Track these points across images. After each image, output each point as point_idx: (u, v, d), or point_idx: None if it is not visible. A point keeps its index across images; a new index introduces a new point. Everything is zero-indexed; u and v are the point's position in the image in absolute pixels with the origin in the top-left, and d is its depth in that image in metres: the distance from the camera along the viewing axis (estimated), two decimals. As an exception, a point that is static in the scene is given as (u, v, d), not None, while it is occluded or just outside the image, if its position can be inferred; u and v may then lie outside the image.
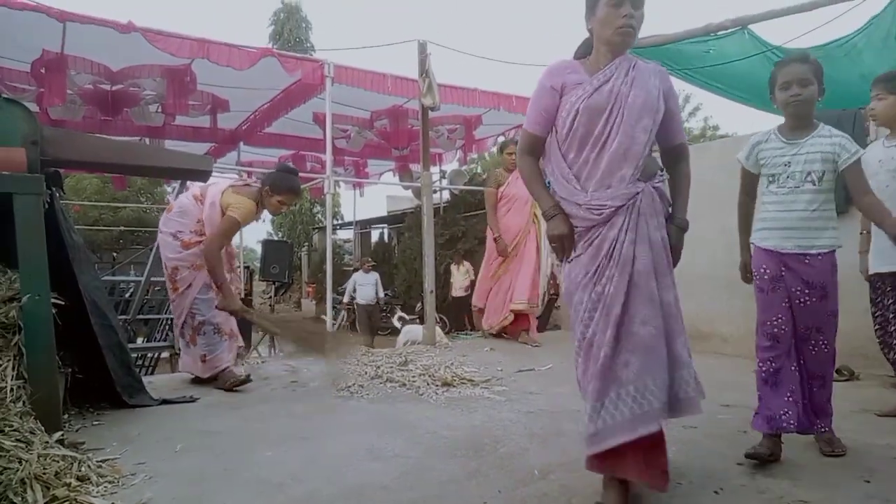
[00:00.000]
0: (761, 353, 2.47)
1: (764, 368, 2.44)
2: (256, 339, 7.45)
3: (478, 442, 2.69)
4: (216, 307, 3.75)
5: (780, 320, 2.42)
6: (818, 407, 2.50)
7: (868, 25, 4.32)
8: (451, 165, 11.37)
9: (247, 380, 3.81)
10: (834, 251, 2.43)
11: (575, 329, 2.04)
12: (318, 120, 7.83)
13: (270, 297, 8.45)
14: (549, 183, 2.13)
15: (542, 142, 2.14)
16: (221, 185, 3.90)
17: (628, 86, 1.98)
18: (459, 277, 11.13)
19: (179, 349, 4.09)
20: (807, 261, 2.40)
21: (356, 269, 11.79)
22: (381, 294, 11.40)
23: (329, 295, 6.56)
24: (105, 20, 5.20)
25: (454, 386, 3.84)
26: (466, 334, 8.03)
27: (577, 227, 2.02)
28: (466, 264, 11.13)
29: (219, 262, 3.65)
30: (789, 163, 2.44)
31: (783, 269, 2.43)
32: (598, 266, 1.95)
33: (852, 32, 4.42)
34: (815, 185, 2.39)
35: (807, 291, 2.40)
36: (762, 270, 2.49)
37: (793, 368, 2.43)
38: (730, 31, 4.60)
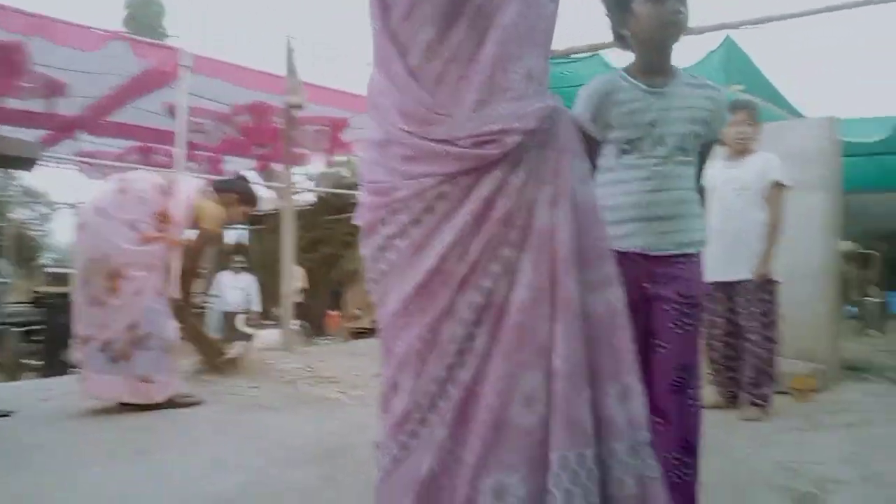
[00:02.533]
0: None
1: None
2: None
3: (332, 448, 2.63)
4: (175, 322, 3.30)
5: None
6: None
7: (704, 58, 4.83)
8: (316, 167, 11.15)
9: (198, 400, 3.37)
10: None
11: (401, 382, 1.13)
12: (170, 111, 7.33)
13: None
14: (372, 122, 1.24)
15: None
16: (192, 185, 3.49)
17: None
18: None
19: (80, 367, 3.19)
20: (681, 266, 1.69)
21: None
22: (254, 305, 8.88)
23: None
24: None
25: (310, 391, 3.74)
26: (326, 339, 7.89)
27: (426, 177, 1.11)
28: (298, 270, 9.33)
29: (193, 280, 3.34)
30: (655, 121, 1.67)
31: (646, 283, 1.67)
32: (482, 248, 1.09)
33: (690, 65, 4.91)
34: (687, 155, 1.71)
35: (685, 312, 1.66)
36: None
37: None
38: (585, 55, 4.96)
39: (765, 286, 3.19)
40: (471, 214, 1.08)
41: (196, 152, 9.46)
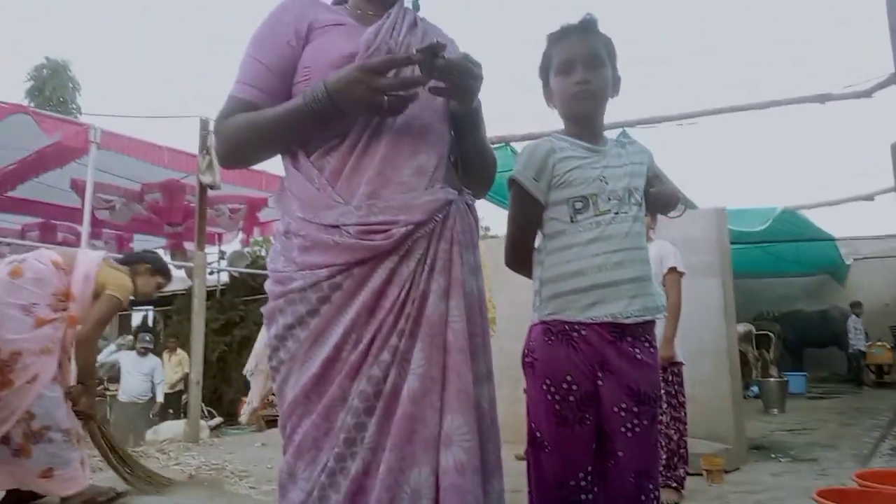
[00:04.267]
0: None
1: None
2: None
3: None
4: (76, 408, 2.99)
5: (586, 481, 1.46)
6: None
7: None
8: (232, 246, 10.87)
9: (118, 495, 3.04)
10: None
11: (296, 474, 1.12)
12: (77, 187, 7.04)
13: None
14: (278, 214, 1.27)
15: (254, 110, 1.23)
16: (93, 256, 3.23)
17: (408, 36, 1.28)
18: (170, 370, 8.54)
19: None
20: (643, 343, 1.50)
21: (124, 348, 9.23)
22: (159, 394, 8.01)
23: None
24: None
25: (218, 487, 3.48)
26: (238, 429, 7.44)
27: (320, 268, 1.12)
28: (181, 353, 8.65)
29: (94, 352, 2.98)
30: (604, 177, 1.55)
31: (600, 369, 1.46)
32: (373, 337, 1.10)
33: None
34: (640, 210, 1.58)
35: (640, 412, 1.46)
36: (565, 380, 1.46)
37: None
38: (496, 145, 5.21)
39: (670, 369, 3.29)
40: (363, 304, 1.10)
41: (103, 230, 9.08)
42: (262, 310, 1.22)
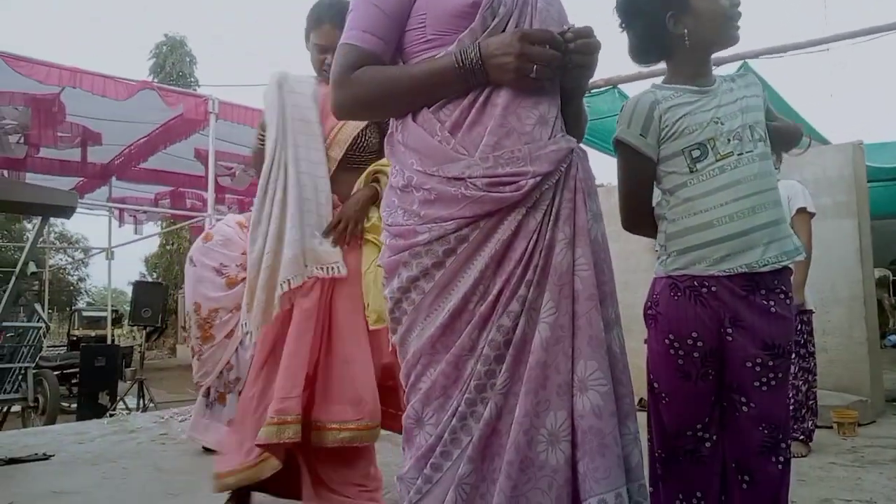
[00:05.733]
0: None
1: None
2: (123, 388, 6.88)
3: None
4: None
5: (704, 432, 1.46)
6: None
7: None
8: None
9: None
10: None
11: (423, 420, 1.15)
12: (200, 156, 7.54)
13: (141, 345, 7.83)
14: (393, 169, 1.25)
15: (377, 62, 1.23)
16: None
17: None
18: None
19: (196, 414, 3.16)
20: (776, 294, 1.42)
21: None
22: None
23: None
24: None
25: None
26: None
27: (446, 221, 1.13)
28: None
29: None
30: (719, 118, 1.44)
31: (730, 324, 1.41)
32: (502, 288, 1.10)
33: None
34: (767, 146, 1.46)
35: (772, 366, 1.40)
36: (690, 336, 1.43)
37: None
38: (602, 89, 5.01)
39: (799, 316, 3.11)
40: (491, 256, 1.11)
41: (226, 195, 9.72)
42: (381, 262, 1.24)
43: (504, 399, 1.09)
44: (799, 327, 3.12)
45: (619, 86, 4.92)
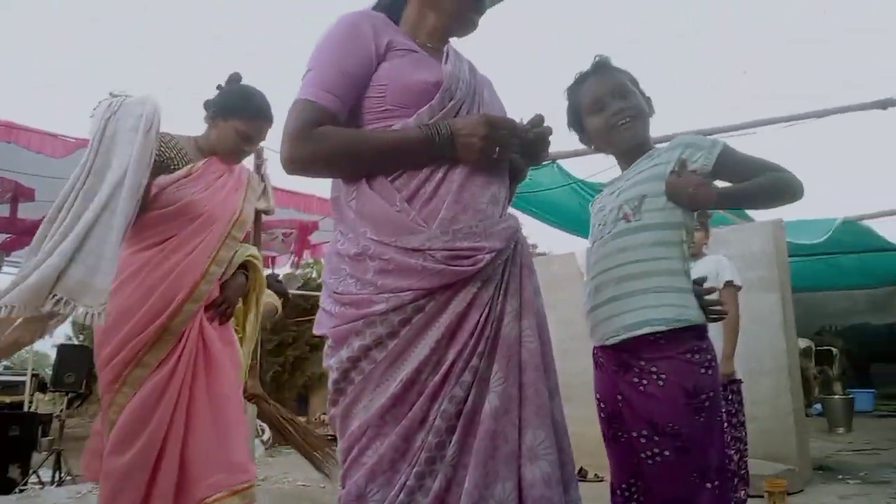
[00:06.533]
0: None
1: None
2: (38, 459, 6.37)
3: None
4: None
5: (630, 492, 1.51)
6: None
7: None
8: (284, 269, 11.12)
9: None
10: (682, 329, 1.42)
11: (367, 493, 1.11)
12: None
13: (62, 410, 7.33)
14: (340, 236, 1.25)
15: (333, 121, 1.23)
16: None
17: (476, 81, 1.36)
18: None
19: None
20: (647, 367, 1.41)
21: None
22: None
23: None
24: None
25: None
26: (289, 449, 7.53)
27: (404, 292, 1.13)
28: None
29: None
30: (604, 206, 1.59)
31: (621, 395, 1.47)
32: (455, 359, 1.12)
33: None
34: (628, 221, 1.49)
35: (655, 437, 1.39)
36: (597, 398, 1.56)
37: None
38: (543, 164, 5.21)
39: (729, 386, 3.20)
40: (446, 327, 1.13)
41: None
42: (329, 333, 1.22)
43: (453, 471, 1.09)
44: (729, 396, 3.21)
45: (559, 161, 5.13)
